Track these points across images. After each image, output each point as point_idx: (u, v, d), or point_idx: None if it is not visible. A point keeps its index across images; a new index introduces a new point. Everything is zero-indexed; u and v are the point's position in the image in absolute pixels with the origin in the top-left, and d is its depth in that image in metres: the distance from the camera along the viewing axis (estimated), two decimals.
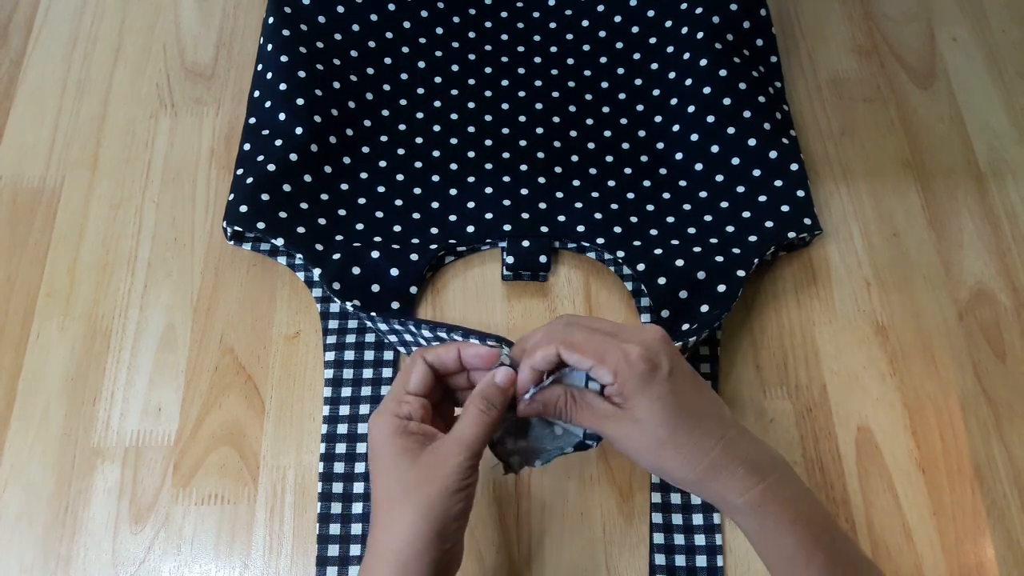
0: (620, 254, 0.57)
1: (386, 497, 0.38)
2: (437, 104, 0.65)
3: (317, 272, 0.54)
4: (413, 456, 0.38)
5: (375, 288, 0.55)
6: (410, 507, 0.38)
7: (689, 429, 0.39)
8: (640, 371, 0.38)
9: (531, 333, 0.42)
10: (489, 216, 0.59)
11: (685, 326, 0.53)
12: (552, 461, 0.44)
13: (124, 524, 0.50)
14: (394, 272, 0.55)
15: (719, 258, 0.55)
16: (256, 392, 0.54)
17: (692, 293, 0.54)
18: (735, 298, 0.53)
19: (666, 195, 0.61)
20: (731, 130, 0.60)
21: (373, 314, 0.52)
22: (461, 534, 0.40)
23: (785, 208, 0.58)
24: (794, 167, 0.60)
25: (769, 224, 0.58)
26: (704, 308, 0.54)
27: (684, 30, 0.65)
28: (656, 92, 0.65)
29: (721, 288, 0.54)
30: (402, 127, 0.64)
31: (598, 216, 0.59)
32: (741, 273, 0.54)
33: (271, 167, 0.57)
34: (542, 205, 0.59)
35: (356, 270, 0.55)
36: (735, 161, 0.60)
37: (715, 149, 0.61)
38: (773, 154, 0.60)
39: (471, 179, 0.61)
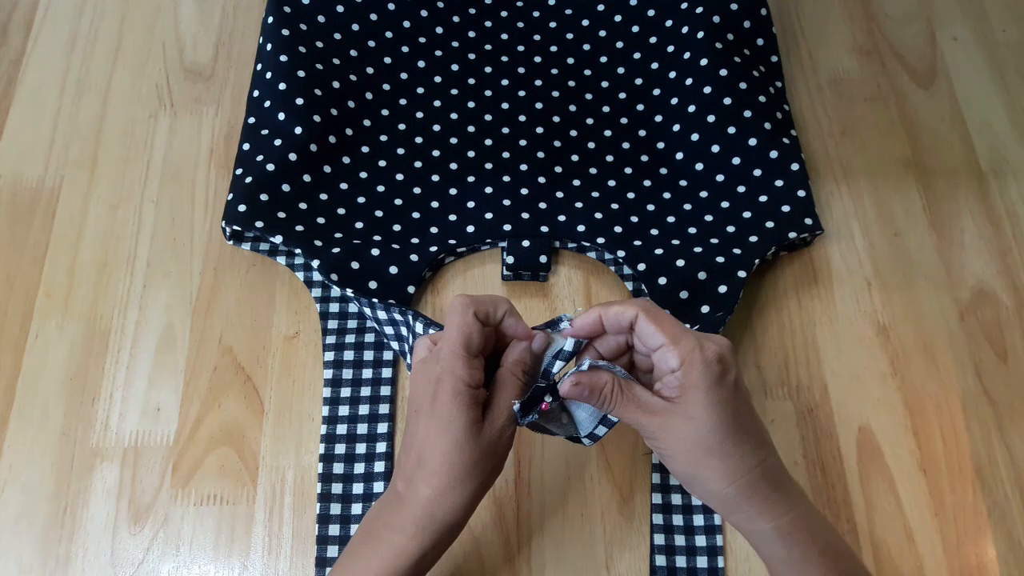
0: (620, 254, 0.56)
1: (447, 466, 0.38)
2: (437, 103, 0.64)
3: (316, 264, 0.54)
4: (479, 429, 0.38)
5: (373, 284, 0.55)
6: (471, 480, 0.38)
7: (738, 442, 0.38)
8: (714, 370, 0.38)
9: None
10: (489, 216, 0.59)
11: (686, 327, 0.53)
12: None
13: (123, 524, 0.50)
14: (393, 270, 0.55)
15: (720, 259, 0.55)
16: (255, 392, 0.54)
17: (693, 293, 0.54)
18: (736, 299, 0.53)
19: (666, 195, 0.61)
20: (731, 130, 0.60)
21: (375, 300, 0.52)
22: None
23: (786, 208, 0.58)
24: (795, 167, 0.60)
25: (770, 224, 0.58)
26: (705, 309, 0.54)
27: (684, 29, 0.64)
28: (656, 91, 0.65)
29: (722, 289, 0.54)
30: (402, 126, 0.63)
31: (598, 216, 0.59)
32: (742, 274, 0.54)
33: (270, 167, 0.57)
34: (542, 205, 0.59)
35: (355, 265, 0.55)
36: (736, 161, 0.60)
37: (715, 149, 0.61)
38: (774, 154, 0.60)
39: (471, 179, 0.61)
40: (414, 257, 0.56)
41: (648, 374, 0.42)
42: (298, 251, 0.54)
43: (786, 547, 0.39)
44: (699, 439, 0.38)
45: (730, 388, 0.38)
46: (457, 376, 0.38)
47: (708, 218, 0.59)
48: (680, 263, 0.55)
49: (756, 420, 0.40)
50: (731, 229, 0.58)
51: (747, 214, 0.59)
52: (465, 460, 0.38)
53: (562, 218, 0.59)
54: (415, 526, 0.38)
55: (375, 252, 0.56)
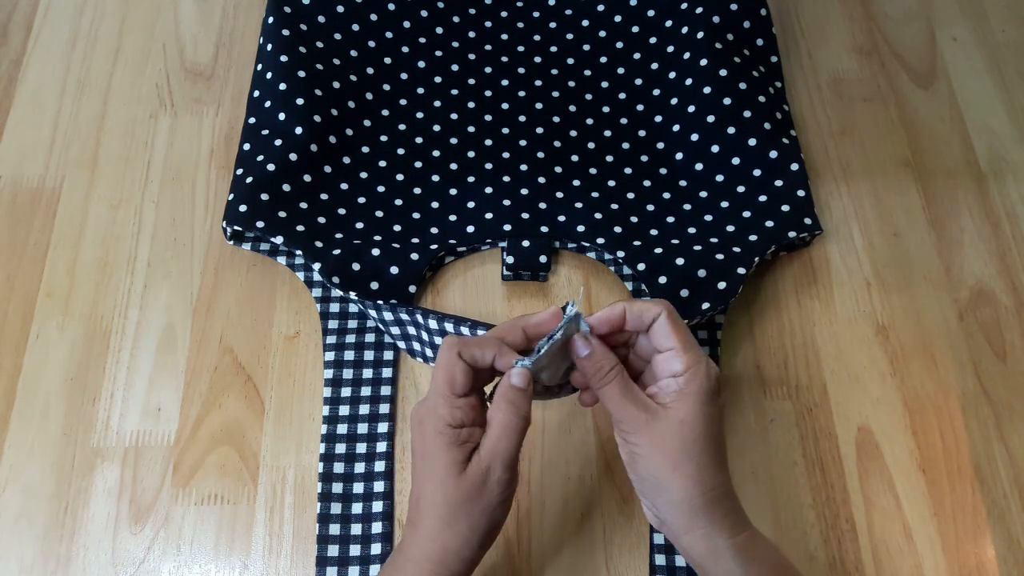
0: (620, 254, 0.57)
1: (431, 507, 0.38)
2: (437, 104, 0.65)
3: (317, 267, 0.54)
4: (460, 469, 0.38)
5: (374, 285, 0.55)
6: (456, 522, 0.38)
7: (713, 456, 0.40)
8: (712, 385, 0.40)
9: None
10: (489, 216, 0.59)
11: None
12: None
13: (124, 524, 0.50)
14: (394, 270, 0.55)
15: (719, 256, 0.55)
16: (256, 392, 0.54)
17: (693, 292, 0.54)
18: (735, 295, 0.53)
19: (666, 195, 0.61)
20: (731, 130, 0.60)
21: (380, 302, 0.52)
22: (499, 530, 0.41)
23: (785, 208, 0.58)
24: (794, 167, 0.60)
25: (769, 224, 0.58)
26: (705, 305, 0.54)
27: (684, 30, 0.65)
28: (656, 92, 0.65)
29: (722, 286, 0.54)
30: (402, 127, 0.63)
31: (598, 216, 0.59)
32: (742, 271, 0.54)
33: (271, 167, 0.57)
34: (542, 205, 0.59)
35: (356, 266, 0.55)
36: (735, 161, 0.60)
37: (715, 149, 0.61)
38: (773, 154, 0.60)
39: (471, 179, 0.61)
40: (415, 256, 0.56)
41: (638, 376, 0.43)
42: (299, 252, 0.55)
43: (742, 564, 0.40)
44: (683, 444, 0.39)
45: (720, 408, 0.40)
46: (438, 415, 0.38)
47: (708, 218, 0.59)
48: (680, 262, 0.55)
49: (725, 447, 0.42)
50: (731, 229, 0.58)
51: (747, 214, 0.59)
52: (448, 500, 0.38)
53: (562, 218, 0.59)
54: (429, 562, 0.39)
55: (375, 252, 0.56)
